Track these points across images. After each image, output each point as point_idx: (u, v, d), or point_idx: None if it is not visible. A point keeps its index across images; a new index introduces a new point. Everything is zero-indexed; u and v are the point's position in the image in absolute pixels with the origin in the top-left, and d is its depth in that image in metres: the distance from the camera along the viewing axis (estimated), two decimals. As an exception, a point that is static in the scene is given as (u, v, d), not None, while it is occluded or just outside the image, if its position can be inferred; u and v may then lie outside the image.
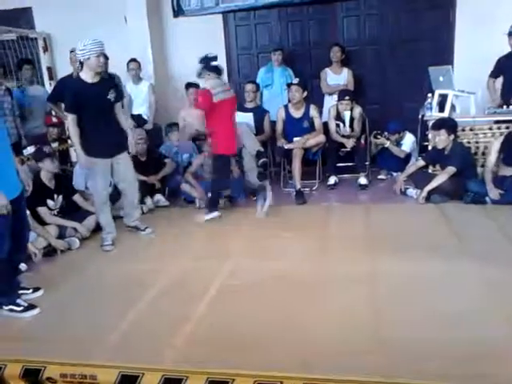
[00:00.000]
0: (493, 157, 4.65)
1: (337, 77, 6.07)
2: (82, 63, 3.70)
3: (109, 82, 3.91)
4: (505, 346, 2.34)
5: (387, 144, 5.64)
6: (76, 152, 3.88)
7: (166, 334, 2.63)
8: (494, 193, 4.48)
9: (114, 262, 3.80)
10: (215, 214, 4.53)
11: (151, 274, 3.45)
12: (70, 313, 3.00)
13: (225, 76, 6.69)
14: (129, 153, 4.13)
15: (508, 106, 4.93)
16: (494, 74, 5.22)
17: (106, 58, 5.25)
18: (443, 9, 6.09)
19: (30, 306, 3.00)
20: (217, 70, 4.33)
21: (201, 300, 2.97)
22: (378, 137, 5.70)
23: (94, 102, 3.72)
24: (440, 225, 4.10)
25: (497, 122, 5.01)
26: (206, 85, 4.31)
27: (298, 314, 2.77)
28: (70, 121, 3.74)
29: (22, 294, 3.15)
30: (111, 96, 3.83)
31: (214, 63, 4.31)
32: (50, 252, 3.90)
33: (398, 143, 5.71)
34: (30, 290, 3.24)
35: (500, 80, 5.22)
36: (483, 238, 3.73)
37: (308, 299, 2.93)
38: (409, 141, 5.70)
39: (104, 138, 3.81)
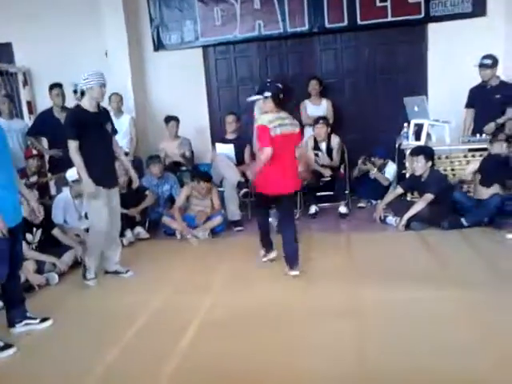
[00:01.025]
0: (469, 170, 4.87)
1: (316, 108, 6.20)
2: (82, 92, 3.74)
3: (105, 114, 3.93)
4: (493, 372, 2.34)
5: (374, 171, 5.73)
6: (82, 178, 3.72)
7: (146, 375, 2.57)
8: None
9: (93, 298, 3.73)
10: (272, 254, 4.08)
11: (132, 309, 3.39)
12: (46, 353, 2.92)
13: (205, 108, 6.86)
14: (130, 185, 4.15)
15: (481, 135, 5.09)
16: (468, 105, 5.38)
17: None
18: (415, 43, 6.33)
19: (6, 346, 2.92)
20: (280, 104, 3.72)
21: (183, 336, 2.93)
22: (367, 163, 5.78)
23: (95, 130, 3.73)
24: (422, 252, 4.14)
25: (471, 150, 5.15)
26: (260, 117, 3.73)
27: (283, 348, 2.74)
28: (73, 147, 3.66)
29: (28, 323, 3.15)
30: (109, 128, 3.88)
31: (281, 96, 3.72)
32: (27, 288, 3.80)
33: (381, 170, 5.81)
34: (37, 320, 3.20)
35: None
36: (465, 264, 3.78)
37: (292, 333, 2.90)
38: (391, 169, 5.82)
39: (103, 167, 3.80)
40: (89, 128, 3.68)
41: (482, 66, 5.11)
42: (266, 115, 3.64)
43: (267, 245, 4.08)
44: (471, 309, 3.02)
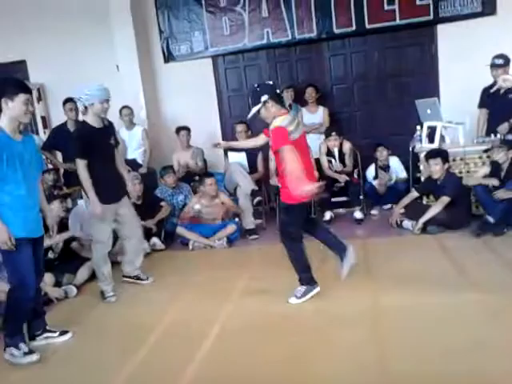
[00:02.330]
0: (479, 174, 4.79)
1: (312, 116, 6.21)
2: (86, 108, 3.68)
3: (109, 128, 3.90)
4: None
5: (386, 178, 5.75)
6: (89, 199, 3.67)
7: (169, 378, 2.60)
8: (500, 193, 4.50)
9: (112, 309, 3.74)
10: (315, 290, 3.43)
11: (150, 319, 3.40)
12: (69, 364, 2.94)
13: (216, 117, 6.89)
14: (129, 198, 4.11)
15: (495, 135, 5.02)
16: (481, 105, 5.32)
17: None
18: (425, 45, 6.31)
19: (30, 352, 2.97)
20: (282, 102, 3.37)
21: (201, 345, 2.92)
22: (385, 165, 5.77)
23: (100, 146, 3.72)
24: (439, 256, 4.09)
25: (486, 150, 5.09)
26: (275, 122, 3.23)
27: (303, 354, 2.72)
28: (81, 166, 3.62)
29: (47, 336, 3.18)
30: (113, 141, 3.88)
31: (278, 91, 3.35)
32: (45, 301, 3.83)
33: (386, 168, 5.82)
34: (57, 333, 3.23)
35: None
36: (483, 267, 3.73)
37: (312, 339, 2.89)
38: (396, 163, 5.83)
39: (111, 182, 3.80)
40: (95, 145, 3.66)
41: (493, 65, 5.05)
42: (280, 118, 3.21)
43: (311, 277, 3.44)
44: (492, 313, 2.97)
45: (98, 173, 3.69)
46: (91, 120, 3.69)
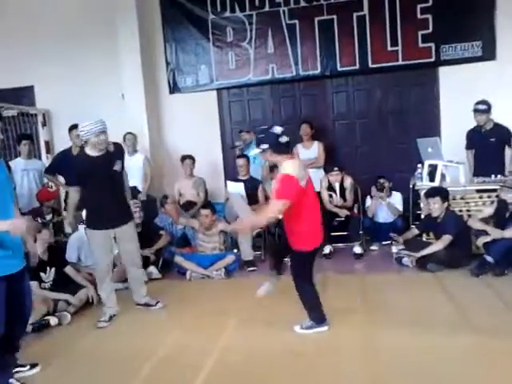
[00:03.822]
0: (484, 214, 4.78)
1: (307, 151, 6.27)
2: (86, 141, 3.75)
3: (115, 153, 3.87)
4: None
5: (386, 201, 5.71)
6: (71, 224, 3.92)
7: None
8: (495, 232, 4.51)
9: (105, 338, 3.66)
10: (323, 328, 3.41)
11: (142, 351, 3.33)
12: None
13: (219, 149, 6.95)
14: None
15: (486, 176, 5.10)
16: (468, 146, 5.50)
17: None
18: (427, 85, 6.44)
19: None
20: (287, 148, 3.30)
21: (197, 377, 2.85)
22: (384, 190, 5.70)
23: (98, 173, 3.73)
24: (438, 295, 4.05)
25: (485, 190, 5.12)
26: (284, 169, 3.16)
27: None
28: (71, 191, 3.81)
29: (17, 371, 3.02)
30: (117, 167, 3.85)
31: (283, 139, 3.23)
32: (39, 327, 3.77)
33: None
34: (27, 367, 3.10)
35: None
36: (483, 308, 3.68)
37: (306, 377, 2.83)
38: (398, 198, 5.80)
39: (107, 209, 3.81)
40: (90, 173, 3.72)
41: (477, 111, 5.23)
42: (288, 165, 3.15)
43: (322, 316, 3.42)
44: (491, 357, 2.91)
45: (92, 199, 3.81)
46: (90, 149, 3.76)
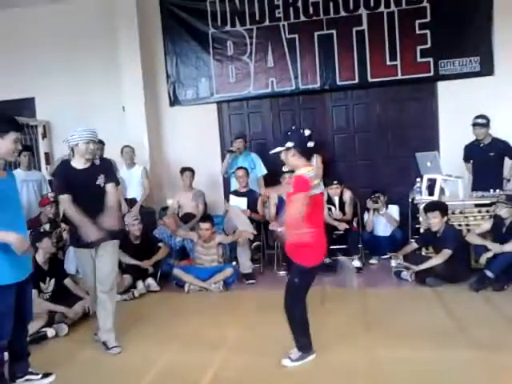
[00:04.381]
0: (481, 229, 4.80)
1: None
2: (72, 150, 3.51)
3: (100, 167, 3.61)
4: None
5: (383, 210, 5.71)
6: (87, 229, 3.35)
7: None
8: (495, 246, 4.53)
9: (101, 351, 3.60)
10: (311, 356, 3.21)
11: (140, 364, 3.30)
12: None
13: (219, 161, 6.97)
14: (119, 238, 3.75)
15: (485, 190, 5.12)
16: (466, 159, 5.57)
17: (102, 143, 5.46)
18: (426, 99, 6.48)
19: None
20: (310, 155, 3.21)
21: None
22: (378, 201, 5.72)
23: (80, 189, 3.45)
24: (437, 310, 4.03)
25: (484, 205, 5.13)
26: (300, 170, 3.06)
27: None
28: (65, 202, 3.47)
29: (29, 379, 3.01)
30: (100, 181, 3.53)
31: (310, 144, 3.13)
32: (36, 339, 3.74)
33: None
34: (39, 376, 3.07)
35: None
36: (482, 323, 3.66)
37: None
38: (395, 210, 5.82)
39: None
40: (72, 187, 3.45)
41: (476, 124, 5.28)
42: (306, 168, 3.06)
43: (309, 343, 3.22)
44: (491, 371, 2.89)
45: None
46: (75, 162, 3.53)
